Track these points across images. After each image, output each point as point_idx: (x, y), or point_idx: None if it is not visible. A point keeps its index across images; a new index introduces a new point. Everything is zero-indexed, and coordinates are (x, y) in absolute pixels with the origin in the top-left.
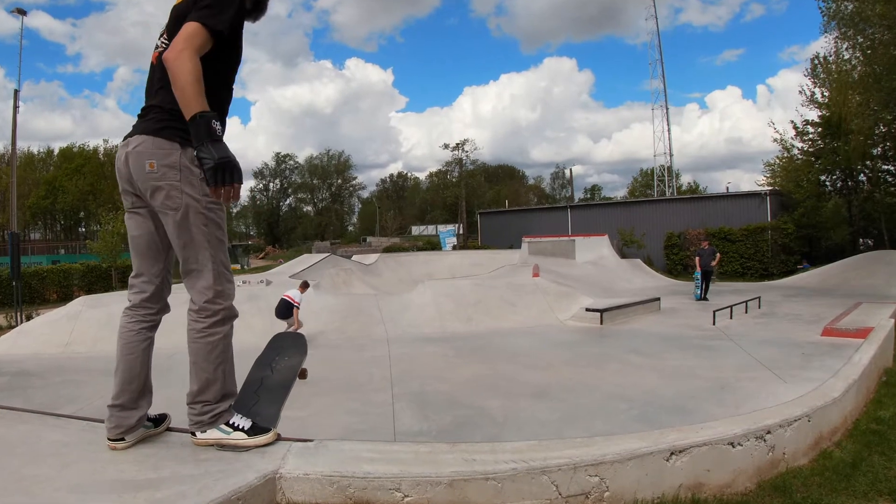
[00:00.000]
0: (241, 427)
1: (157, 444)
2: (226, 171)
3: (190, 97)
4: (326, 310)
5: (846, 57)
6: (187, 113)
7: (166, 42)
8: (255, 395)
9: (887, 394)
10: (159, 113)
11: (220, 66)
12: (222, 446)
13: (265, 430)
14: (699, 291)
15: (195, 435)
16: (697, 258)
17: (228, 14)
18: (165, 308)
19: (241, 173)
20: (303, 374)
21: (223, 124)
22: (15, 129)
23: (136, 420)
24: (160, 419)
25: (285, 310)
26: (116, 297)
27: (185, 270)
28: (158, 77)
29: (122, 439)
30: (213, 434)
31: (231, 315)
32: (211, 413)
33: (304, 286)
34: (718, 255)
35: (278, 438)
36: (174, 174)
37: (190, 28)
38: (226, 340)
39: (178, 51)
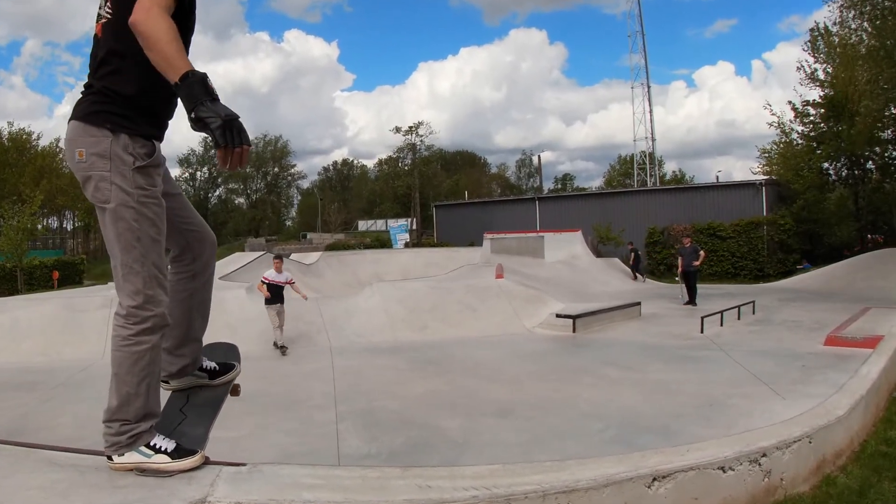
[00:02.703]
0: (163, 449)
1: (67, 468)
2: (233, 129)
3: (173, 57)
4: (262, 316)
5: (853, 27)
6: (174, 75)
7: (110, 11)
8: (180, 412)
9: None
10: (92, 95)
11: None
12: (142, 471)
13: (191, 453)
14: (686, 295)
15: (111, 459)
16: (680, 258)
17: None
18: (199, 257)
19: (248, 134)
20: (235, 391)
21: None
22: None
23: (178, 368)
24: (217, 371)
25: (278, 295)
26: (22, 301)
27: (114, 271)
28: (101, 52)
29: (167, 382)
30: (131, 458)
31: (162, 323)
32: (130, 433)
33: (280, 259)
34: (703, 253)
35: (206, 462)
36: (103, 163)
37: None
38: (153, 352)
39: (146, 9)
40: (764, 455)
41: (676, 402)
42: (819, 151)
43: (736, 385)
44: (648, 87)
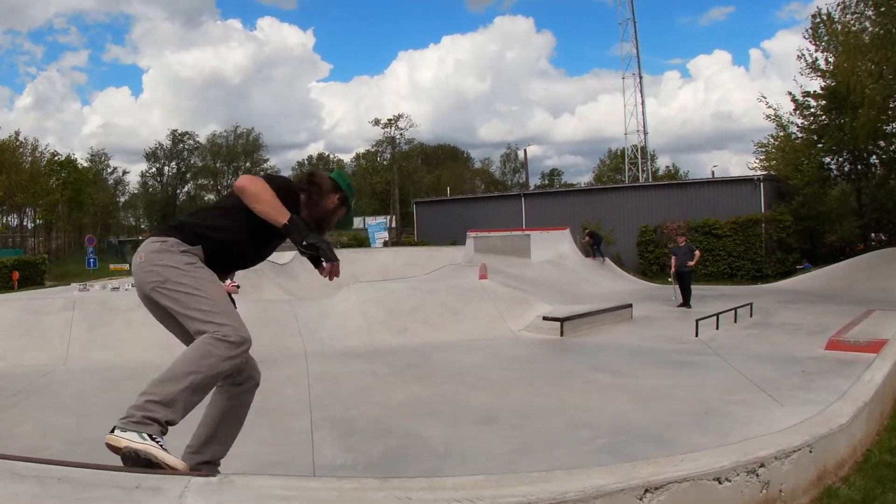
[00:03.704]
0: (160, 444)
1: (29, 479)
2: (332, 248)
3: (276, 208)
4: None
5: (856, 14)
6: (281, 220)
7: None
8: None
9: None
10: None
11: (240, 216)
12: (134, 452)
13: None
14: (680, 297)
15: (113, 431)
16: (673, 257)
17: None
18: (252, 378)
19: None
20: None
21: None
22: None
23: (195, 462)
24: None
25: None
26: None
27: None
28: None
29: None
30: (131, 437)
31: (246, 343)
32: (147, 413)
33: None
34: (698, 252)
35: (177, 473)
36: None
37: (248, 178)
38: (219, 363)
39: (249, 178)
40: (762, 465)
41: (670, 409)
42: (820, 145)
43: (732, 391)
44: (640, 77)
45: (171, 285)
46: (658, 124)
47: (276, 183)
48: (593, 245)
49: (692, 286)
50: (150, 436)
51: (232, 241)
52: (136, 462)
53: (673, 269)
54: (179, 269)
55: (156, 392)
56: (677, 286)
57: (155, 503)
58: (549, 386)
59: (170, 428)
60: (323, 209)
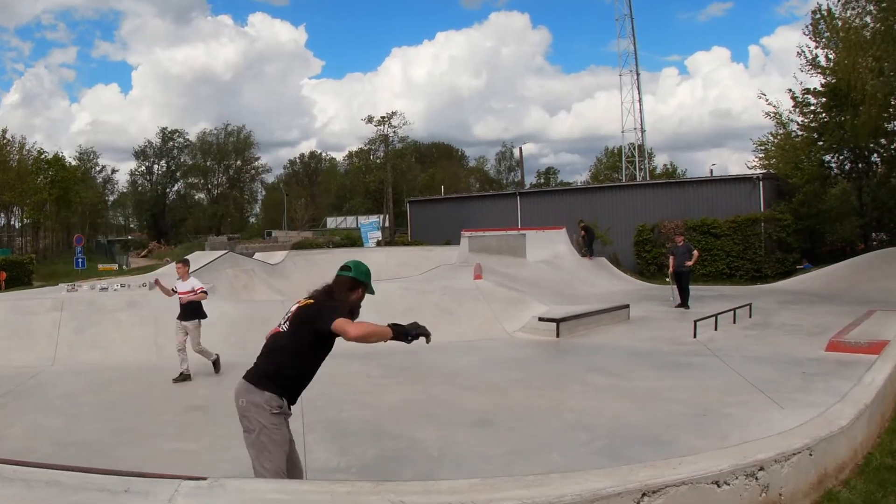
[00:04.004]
0: None
1: (16, 482)
2: (424, 328)
3: (379, 333)
4: (223, 320)
5: (856, 10)
6: (388, 336)
7: (287, 327)
8: None
9: None
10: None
11: (317, 352)
12: None
13: None
14: (678, 297)
15: None
16: (671, 257)
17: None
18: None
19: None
20: None
21: (294, 400)
22: None
23: None
24: None
25: (192, 306)
26: None
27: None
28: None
29: None
30: None
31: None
32: None
33: (184, 263)
34: (696, 252)
35: (163, 476)
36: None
37: (340, 321)
38: None
39: (348, 332)
40: (761, 468)
41: (668, 411)
42: (820, 143)
43: (731, 393)
44: (637, 74)
45: (255, 435)
46: (656, 122)
47: (343, 312)
48: (586, 240)
49: (690, 286)
50: None
51: (306, 376)
52: None
53: (671, 269)
54: (266, 428)
55: None
56: (675, 286)
57: None
58: (545, 388)
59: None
60: (353, 302)
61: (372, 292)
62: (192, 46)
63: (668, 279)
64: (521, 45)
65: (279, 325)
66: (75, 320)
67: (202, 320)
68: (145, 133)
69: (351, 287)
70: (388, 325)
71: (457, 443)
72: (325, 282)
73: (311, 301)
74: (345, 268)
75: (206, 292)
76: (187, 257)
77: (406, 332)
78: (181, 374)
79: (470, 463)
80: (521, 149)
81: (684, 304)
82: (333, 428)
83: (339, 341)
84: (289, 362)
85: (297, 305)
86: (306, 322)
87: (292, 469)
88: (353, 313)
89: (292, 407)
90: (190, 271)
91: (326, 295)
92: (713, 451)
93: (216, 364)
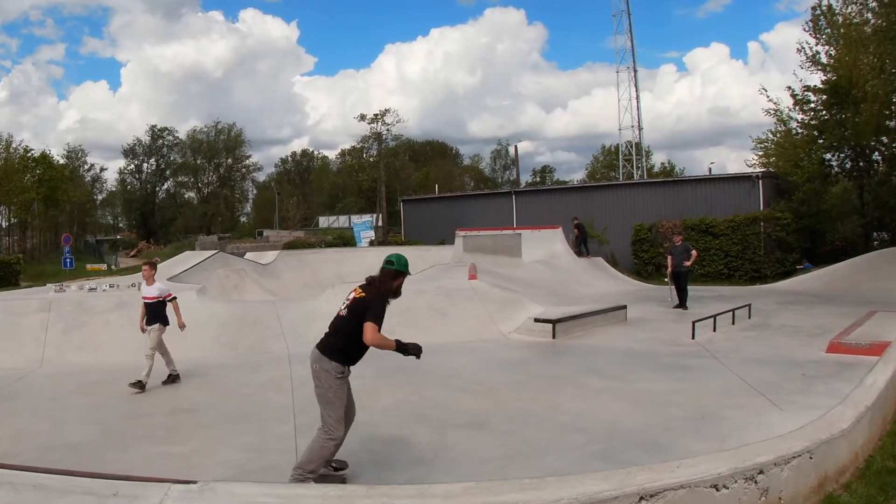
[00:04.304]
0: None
1: (3, 486)
2: (419, 348)
3: (388, 345)
4: (214, 320)
5: (857, 6)
6: (391, 348)
7: (345, 313)
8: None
9: None
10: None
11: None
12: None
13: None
14: (676, 298)
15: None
16: (669, 257)
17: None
18: (351, 421)
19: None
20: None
21: (354, 364)
22: None
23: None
24: (338, 468)
25: (155, 311)
26: None
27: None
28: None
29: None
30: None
31: (338, 441)
32: (301, 479)
33: (151, 266)
34: (695, 252)
35: (153, 479)
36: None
37: (369, 325)
38: (329, 449)
39: (371, 338)
40: (761, 472)
41: (665, 414)
42: (821, 141)
43: (730, 395)
44: (635, 71)
45: (323, 391)
46: (653, 120)
47: (382, 305)
48: (580, 239)
49: (688, 287)
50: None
51: (362, 349)
52: None
53: (669, 270)
54: (332, 388)
55: (303, 467)
56: (673, 287)
57: None
58: (540, 390)
59: None
60: (396, 291)
61: (409, 274)
62: (182, 43)
63: (666, 279)
64: (517, 42)
65: (340, 310)
66: (63, 321)
67: (165, 326)
68: (134, 131)
69: (394, 277)
70: (395, 341)
71: (451, 446)
72: (318, 281)
73: (364, 294)
74: (388, 262)
75: (175, 298)
76: (156, 259)
77: (404, 350)
78: (169, 375)
79: (464, 466)
80: (516, 147)
81: (682, 304)
82: None
83: None
84: (350, 342)
85: (353, 294)
86: (356, 314)
87: (350, 409)
88: (396, 294)
89: (346, 371)
90: (180, 273)
91: (375, 286)
92: (712, 454)
93: (141, 384)
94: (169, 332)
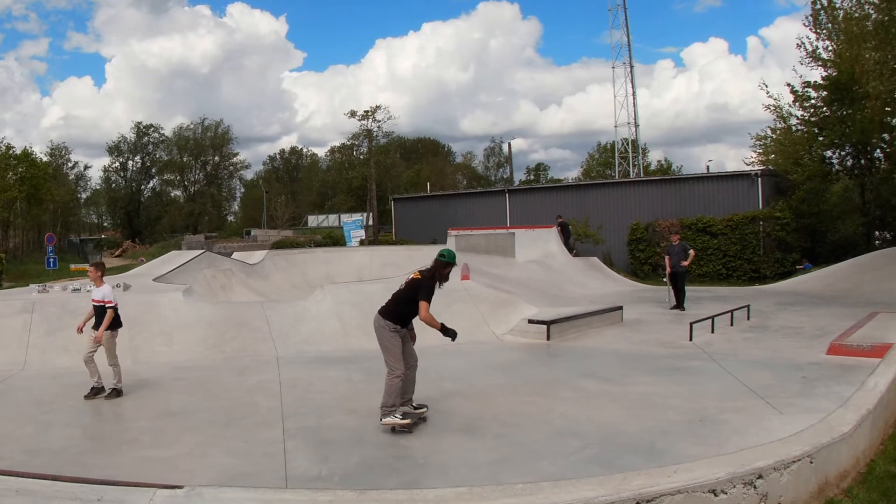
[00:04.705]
0: (396, 416)
1: None
2: (455, 336)
3: (435, 324)
4: (200, 322)
5: (858, 1)
6: (436, 328)
7: (404, 287)
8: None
9: None
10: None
11: (413, 305)
12: (392, 426)
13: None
14: (674, 298)
15: (381, 420)
16: (667, 257)
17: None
18: (413, 367)
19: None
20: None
21: (404, 325)
22: None
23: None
24: (418, 407)
25: (104, 314)
26: None
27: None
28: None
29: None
30: (388, 420)
31: (403, 377)
32: (387, 413)
33: (97, 268)
34: (692, 251)
35: (139, 484)
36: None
37: (423, 304)
38: (399, 384)
39: (424, 316)
40: (760, 477)
41: (662, 417)
42: (821, 138)
43: (728, 399)
44: (631, 66)
45: (385, 343)
46: (650, 116)
47: (431, 287)
48: (562, 238)
49: (686, 287)
50: (393, 416)
51: (409, 314)
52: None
53: (668, 270)
54: (388, 339)
55: (384, 405)
56: (671, 287)
57: None
58: (534, 393)
59: None
60: (444, 277)
61: (455, 265)
62: (168, 38)
63: (664, 279)
64: (511, 37)
65: (400, 286)
66: (47, 323)
67: (118, 329)
68: (119, 128)
69: (444, 266)
70: (441, 324)
71: (443, 450)
72: (307, 282)
73: (419, 277)
74: (441, 255)
75: (114, 308)
76: (99, 261)
77: (445, 332)
78: (92, 388)
79: (456, 471)
80: (510, 144)
81: (680, 305)
82: (315, 435)
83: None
84: (402, 308)
85: (411, 276)
86: (412, 290)
87: (408, 356)
88: (445, 279)
89: (399, 328)
90: (166, 273)
91: (429, 272)
92: (709, 458)
93: (117, 391)
94: (155, 333)
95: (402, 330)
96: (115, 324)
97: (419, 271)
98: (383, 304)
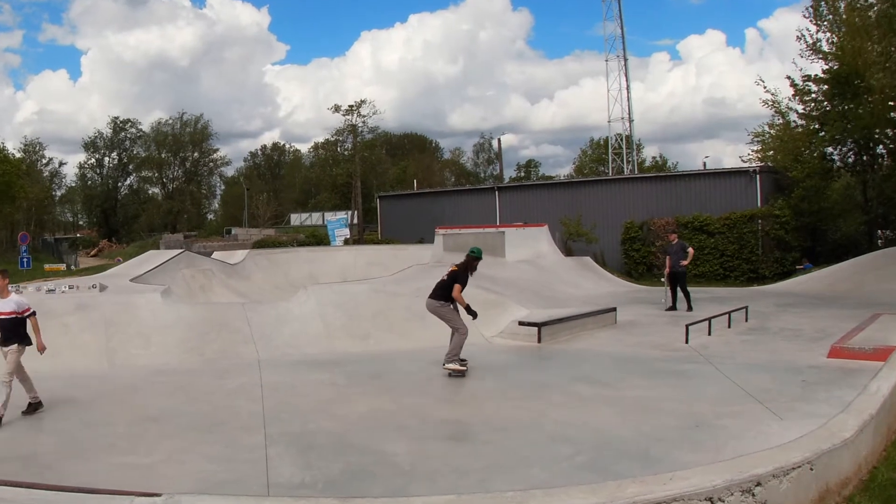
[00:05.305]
0: (456, 362)
1: None
2: (475, 316)
3: (463, 304)
4: (179, 323)
5: None
6: (464, 306)
7: (446, 276)
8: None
9: None
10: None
11: (450, 289)
12: (451, 370)
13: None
14: (670, 300)
15: (444, 366)
16: (667, 257)
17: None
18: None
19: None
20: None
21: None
22: None
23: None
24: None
25: (12, 328)
26: None
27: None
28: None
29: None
30: (451, 365)
31: (466, 334)
32: (450, 360)
33: (3, 276)
34: (691, 250)
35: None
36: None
37: (457, 287)
38: (461, 342)
39: (457, 296)
40: (758, 484)
41: (657, 423)
42: (822, 134)
43: (726, 403)
44: (625, 59)
45: (447, 315)
46: (645, 111)
47: (465, 276)
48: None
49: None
50: (454, 364)
51: (450, 296)
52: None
53: (667, 270)
54: (446, 311)
55: (449, 354)
56: (668, 288)
57: None
58: (525, 398)
59: None
60: (474, 268)
61: (481, 259)
62: (146, 30)
63: (663, 280)
64: (501, 29)
65: (443, 276)
66: None
67: (25, 346)
68: (95, 123)
69: (474, 260)
70: (467, 304)
71: (430, 456)
72: (289, 282)
73: (456, 269)
74: (472, 251)
75: (35, 313)
76: (2, 268)
77: (468, 310)
78: (29, 404)
79: (444, 478)
80: (499, 140)
81: (688, 306)
82: (298, 441)
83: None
84: (446, 292)
85: (451, 268)
86: (451, 278)
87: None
88: (474, 269)
89: (446, 303)
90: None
91: (463, 265)
92: (706, 465)
93: (33, 407)
94: (132, 335)
95: (449, 304)
96: (24, 339)
97: (455, 265)
98: (429, 292)
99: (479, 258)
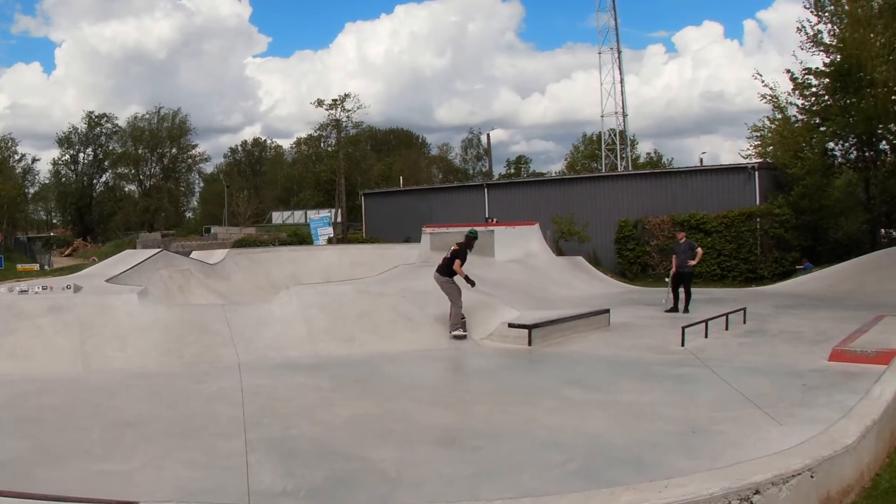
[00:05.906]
0: (459, 329)
1: None
2: (473, 285)
3: (462, 274)
4: (156, 325)
5: None
6: (464, 275)
7: (448, 255)
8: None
9: None
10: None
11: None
12: (455, 336)
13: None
14: (671, 300)
15: (450, 333)
16: (673, 256)
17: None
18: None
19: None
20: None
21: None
22: None
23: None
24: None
25: None
26: None
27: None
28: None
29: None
30: (455, 332)
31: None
32: (454, 329)
33: None
34: (700, 249)
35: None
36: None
37: (458, 262)
38: (459, 312)
39: (457, 270)
40: (757, 492)
41: (652, 428)
42: (823, 129)
43: (723, 408)
44: (619, 52)
45: (449, 289)
46: (639, 105)
47: (464, 254)
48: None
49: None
50: (457, 331)
51: (452, 271)
52: (458, 339)
53: (673, 270)
54: (449, 287)
55: (452, 324)
56: (671, 288)
57: None
58: (515, 402)
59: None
60: (472, 247)
61: (476, 237)
62: (122, 21)
63: (666, 279)
64: (490, 20)
65: (445, 255)
66: None
67: None
68: (70, 118)
69: (473, 240)
70: (465, 274)
71: (416, 463)
72: (271, 283)
73: (458, 248)
74: (470, 232)
75: None
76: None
77: (466, 279)
78: None
79: (431, 485)
80: (489, 135)
81: (686, 307)
82: (279, 447)
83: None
84: (449, 266)
85: (453, 247)
86: (453, 255)
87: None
88: (472, 248)
89: (450, 279)
90: (119, 273)
91: (464, 244)
92: (703, 472)
93: None
94: (108, 337)
95: (451, 280)
96: None
97: (458, 244)
98: (437, 266)
99: (475, 238)
